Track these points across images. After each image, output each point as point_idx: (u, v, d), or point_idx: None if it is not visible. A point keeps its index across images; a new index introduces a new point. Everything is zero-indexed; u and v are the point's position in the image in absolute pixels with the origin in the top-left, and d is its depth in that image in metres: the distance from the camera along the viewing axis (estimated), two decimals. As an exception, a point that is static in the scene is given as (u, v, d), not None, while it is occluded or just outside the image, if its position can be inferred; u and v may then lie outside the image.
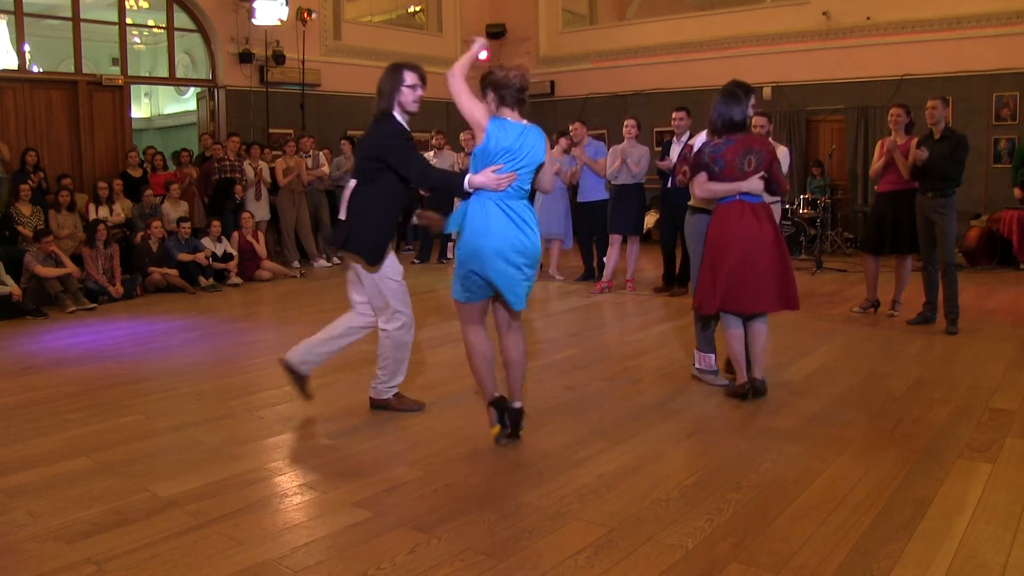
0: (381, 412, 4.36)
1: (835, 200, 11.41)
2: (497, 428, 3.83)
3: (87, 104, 10.25)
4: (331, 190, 11.05)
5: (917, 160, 5.97)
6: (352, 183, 4.10)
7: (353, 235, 4.01)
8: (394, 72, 4.03)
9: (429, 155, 10.75)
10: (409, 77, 4.02)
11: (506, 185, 3.56)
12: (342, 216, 4.10)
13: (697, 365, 4.91)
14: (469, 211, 3.63)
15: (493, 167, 3.54)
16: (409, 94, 4.02)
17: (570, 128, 8.64)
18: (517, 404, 3.82)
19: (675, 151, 7.89)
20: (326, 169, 10.75)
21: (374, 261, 4.03)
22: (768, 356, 5.74)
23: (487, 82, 3.65)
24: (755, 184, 4.37)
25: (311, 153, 10.68)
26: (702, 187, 4.44)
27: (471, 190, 3.62)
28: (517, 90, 3.61)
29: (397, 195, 4.07)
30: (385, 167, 3.97)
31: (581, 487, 3.32)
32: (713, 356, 4.84)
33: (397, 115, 4.04)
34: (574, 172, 8.75)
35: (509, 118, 3.62)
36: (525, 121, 3.66)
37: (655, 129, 12.70)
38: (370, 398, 4.41)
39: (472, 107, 3.59)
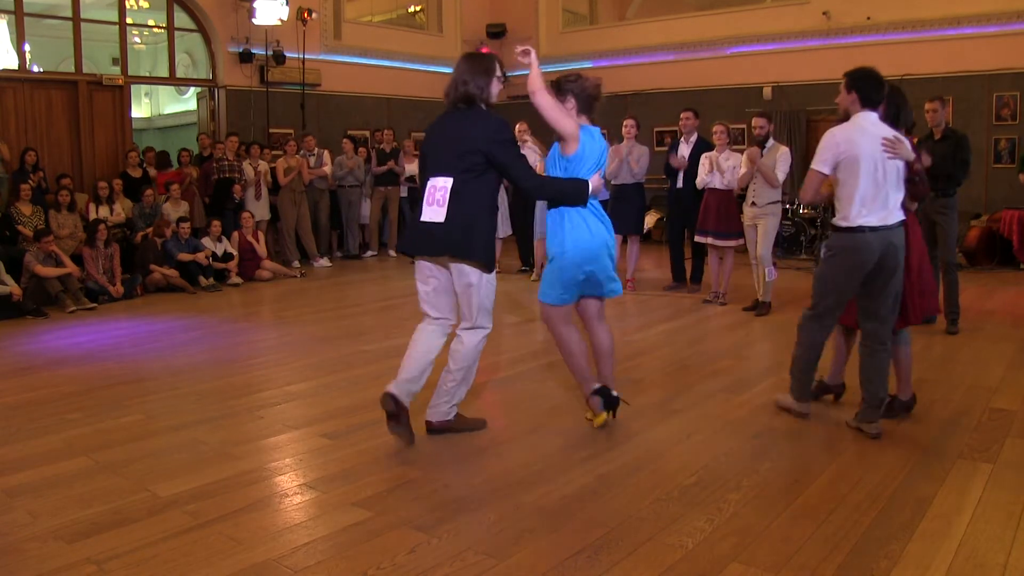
0: (381, 411, 4.35)
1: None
2: (603, 416, 4.02)
3: (87, 104, 10.25)
4: (332, 190, 11.06)
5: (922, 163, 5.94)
6: (442, 181, 3.67)
7: (466, 238, 3.64)
8: (489, 62, 3.76)
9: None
10: (498, 68, 3.81)
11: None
12: (439, 219, 3.64)
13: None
14: (569, 218, 3.81)
15: (597, 172, 3.82)
16: (497, 86, 3.80)
17: None
18: (615, 392, 4.06)
19: (684, 151, 7.93)
20: (328, 169, 10.74)
21: (492, 265, 3.77)
22: (768, 356, 5.76)
23: (569, 88, 3.86)
24: None
25: (315, 151, 10.68)
26: None
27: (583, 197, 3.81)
28: (596, 101, 3.90)
29: (497, 193, 3.84)
30: (490, 166, 3.69)
31: (581, 487, 3.32)
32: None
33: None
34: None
35: (586, 125, 3.84)
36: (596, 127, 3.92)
37: (655, 129, 12.71)
38: (428, 422, 3.94)
39: (565, 119, 3.73)
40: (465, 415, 4.05)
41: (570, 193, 3.78)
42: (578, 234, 3.82)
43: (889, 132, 3.80)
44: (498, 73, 3.80)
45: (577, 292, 3.94)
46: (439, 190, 3.66)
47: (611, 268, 3.94)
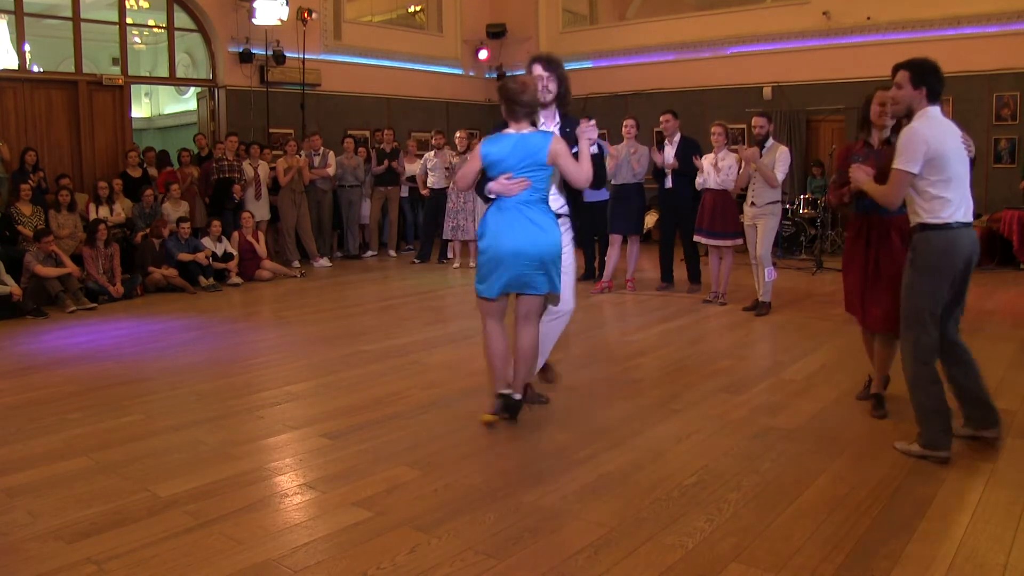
0: (382, 411, 4.36)
1: (835, 200, 11.40)
2: (491, 417, 4.08)
3: (87, 104, 10.24)
4: (332, 190, 11.05)
5: None
6: None
7: None
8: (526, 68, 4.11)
9: (430, 155, 10.76)
10: (536, 68, 4.07)
11: (517, 191, 3.84)
12: None
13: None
14: (488, 217, 3.97)
15: (505, 175, 3.85)
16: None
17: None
18: (517, 396, 4.09)
19: (668, 152, 7.97)
20: (331, 170, 10.73)
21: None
22: (768, 356, 5.75)
23: (500, 93, 3.96)
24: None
25: (320, 151, 10.67)
26: None
27: (491, 196, 3.93)
28: (517, 104, 3.88)
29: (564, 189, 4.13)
30: None
31: (581, 487, 3.32)
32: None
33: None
34: None
35: (513, 130, 3.91)
36: (530, 129, 3.92)
37: (655, 129, 12.59)
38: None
39: (471, 165, 4.00)
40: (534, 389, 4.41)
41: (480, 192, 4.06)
42: (491, 230, 3.95)
43: (957, 128, 3.69)
44: (536, 71, 4.03)
45: (498, 290, 3.96)
46: None
47: (524, 271, 3.92)
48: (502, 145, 3.88)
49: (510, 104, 3.88)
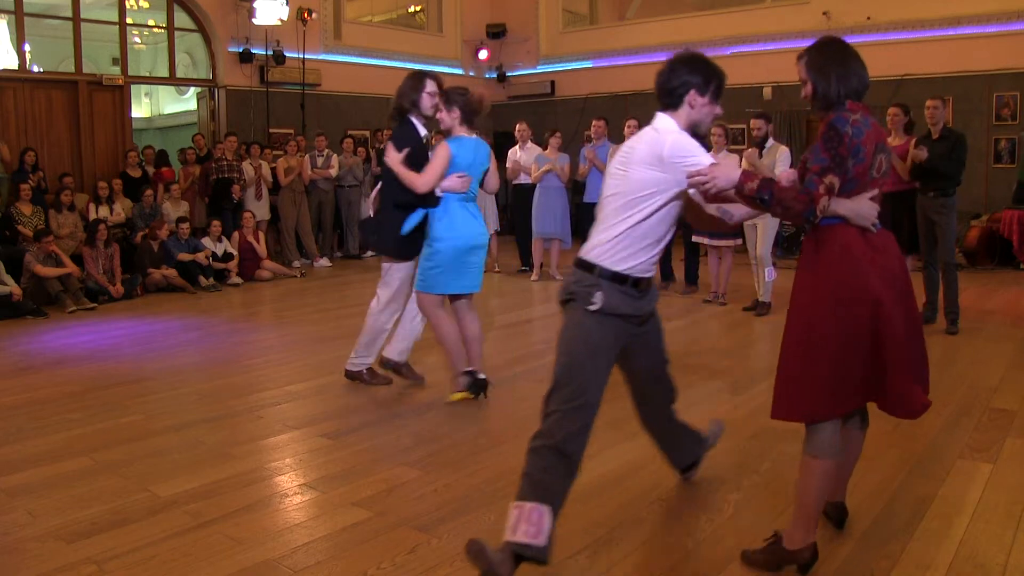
0: (382, 411, 4.36)
1: (835, 200, 11.39)
2: (462, 395, 4.46)
3: (87, 104, 10.24)
4: (333, 189, 11.03)
5: (916, 159, 5.97)
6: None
7: (380, 232, 4.56)
8: (417, 80, 4.55)
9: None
10: (430, 85, 4.52)
11: (467, 187, 4.33)
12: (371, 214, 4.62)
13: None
14: (437, 215, 4.33)
15: (458, 174, 4.27)
16: (428, 100, 4.50)
17: (593, 124, 8.76)
18: (482, 375, 4.51)
19: None
20: (333, 171, 10.72)
21: (401, 254, 4.53)
22: (768, 356, 5.74)
23: (455, 101, 4.32)
24: (862, 206, 2.61)
25: (324, 152, 10.67)
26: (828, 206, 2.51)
27: (440, 195, 4.32)
28: (477, 115, 4.37)
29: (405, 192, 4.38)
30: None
31: (581, 487, 3.31)
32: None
33: (414, 119, 4.55)
34: (563, 169, 8.85)
35: (463, 135, 4.35)
36: (475, 135, 4.42)
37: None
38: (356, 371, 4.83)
39: (442, 165, 4.26)
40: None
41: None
42: (446, 227, 4.32)
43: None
44: (429, 88, 4.48)
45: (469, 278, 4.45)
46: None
47: (474, 263, 4.44)
48: (467, 148, 4.32)
49: (473, 114, 4.34)
